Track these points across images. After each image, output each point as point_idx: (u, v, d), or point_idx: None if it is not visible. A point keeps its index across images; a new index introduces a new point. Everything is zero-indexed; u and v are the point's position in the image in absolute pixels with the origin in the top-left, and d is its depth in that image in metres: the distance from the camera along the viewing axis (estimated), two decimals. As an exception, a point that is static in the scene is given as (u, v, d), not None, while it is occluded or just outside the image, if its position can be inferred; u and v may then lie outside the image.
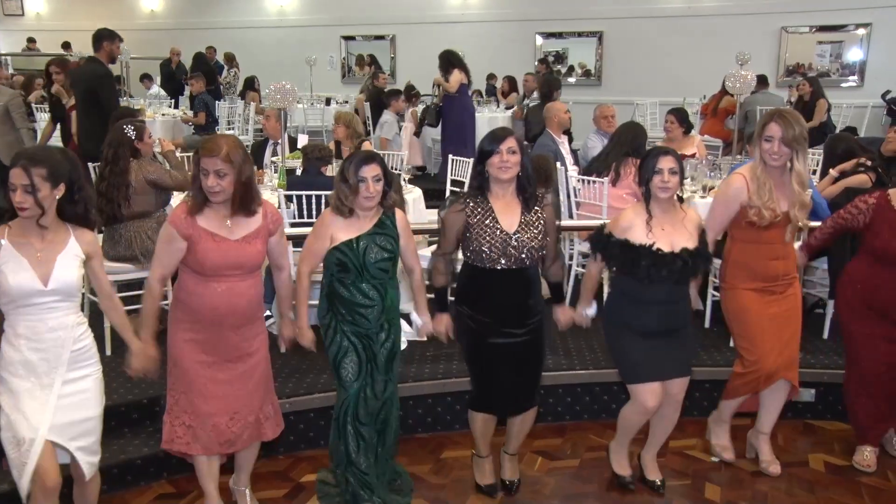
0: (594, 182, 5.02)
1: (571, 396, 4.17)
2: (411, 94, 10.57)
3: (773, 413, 3.62)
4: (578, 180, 5.22)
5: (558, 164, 5.66)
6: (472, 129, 8.48)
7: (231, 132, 10.00)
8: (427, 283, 3.36)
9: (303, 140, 6.05)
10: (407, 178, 5.73)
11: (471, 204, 3.14)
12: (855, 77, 11.53)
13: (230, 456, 3.27)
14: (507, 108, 10.89)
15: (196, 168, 2.86)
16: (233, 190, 2.84)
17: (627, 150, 5.06)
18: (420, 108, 9.99)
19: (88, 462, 2.82)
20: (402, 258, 3.25)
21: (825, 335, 4.57)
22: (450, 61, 8.44)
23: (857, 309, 3.55)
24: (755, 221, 3.29)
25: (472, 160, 3.55)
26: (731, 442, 3.76)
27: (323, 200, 4.35)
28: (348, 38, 14.58)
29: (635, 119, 9.60)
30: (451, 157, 6.86)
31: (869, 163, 4.76)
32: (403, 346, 4.44)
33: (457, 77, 8.32)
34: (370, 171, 3.01)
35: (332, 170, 5.13)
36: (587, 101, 9.84)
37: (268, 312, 4.53)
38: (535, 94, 9.88)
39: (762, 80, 10.27)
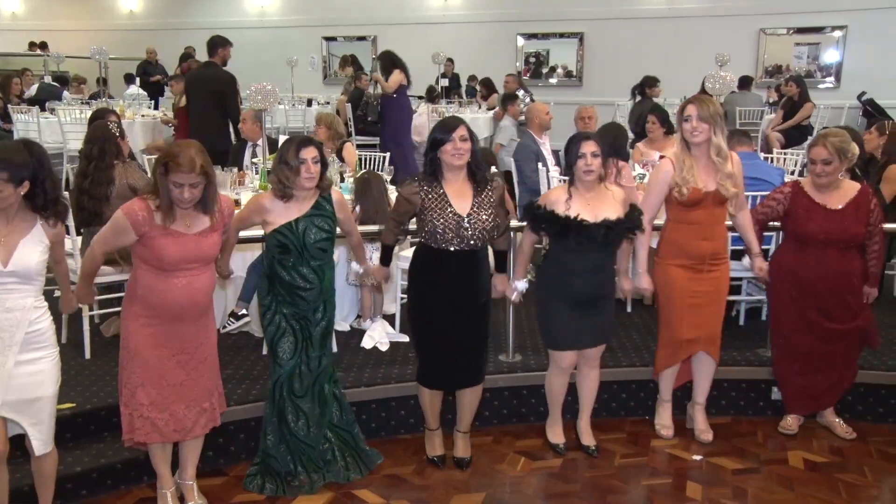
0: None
1: (537, 398, 4.16)
2: (433, 95, 10.65)
3: (705, 385, 3.94)
4: (560, 180, 5.23)
5: (539, 164, 5.69)
6: (410, 129, 8.56)
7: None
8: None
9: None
10: (388, 179, 5.72)
11: (425, 187, 3.33)
12: (832, 78, 11.68)
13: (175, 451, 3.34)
14: (489, 108, 10.91)
15: (163, 179, 2.88)
16: (202, 195, 2.94)
17: (608, 150, 5.08)
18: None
19: (40, 439, 2.89)
20: (342, 227, 3.44)
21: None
22: (392, 62, 8.39)
23: (787, 298, 3.88)
24: (677, 198, 3.58)
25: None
26: (671, 421, 4.01)
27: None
28: (330, 39, 14.55)
29: (616, 120, 9.65)
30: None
31: None
32: (385, 347, 4.46)
33: (396, 78, 8.26)
34: (309, 153, 3.21)
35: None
36: (568, 101, 9.88)
37: (243, 311, 4.50)
38: (520, 94, 9.90)
39: (746, 82, 10.37)
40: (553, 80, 13.22)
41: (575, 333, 3.58)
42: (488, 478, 3.65)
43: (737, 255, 4.47)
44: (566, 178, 5.07)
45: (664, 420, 4.02)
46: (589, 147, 3.41)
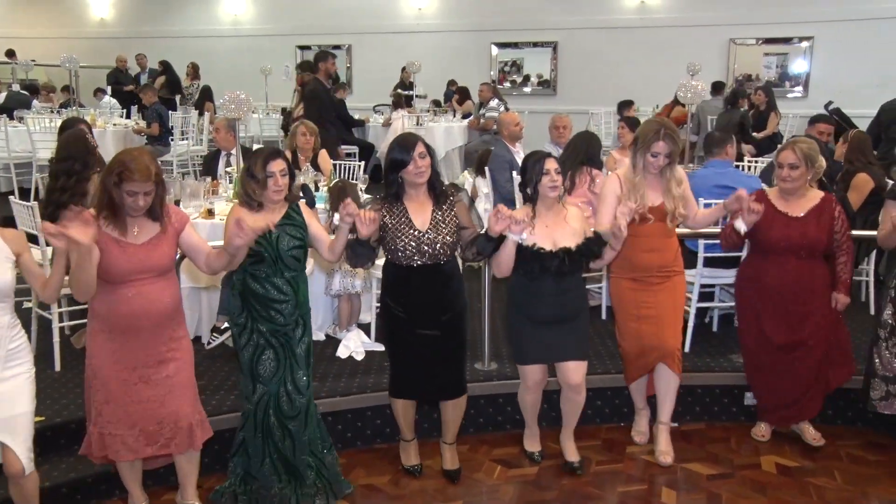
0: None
1: (512, 406, 4.17)
2: (402, 100, 10.68)
3: (668, 402, 3.86)
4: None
5: (514, 173, 5.72)
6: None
7: (184, 143, 9.85)
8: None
9: (258, 150, 5.97)
10: (364, 188, 5.71)
11: (387, 206, 3.35)
12: (800, 88, 11.88)
13: (173, 469, 3.29)
14: (464, 116, 10.94)
15: (116, 189, 2.83)
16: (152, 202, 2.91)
17: (582, 159, 5.13)
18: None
19: (28, 456, 2.88)
20: (313, 240, 3.33)
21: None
22: (311, 70, 8.22)
23: (751, 310, 3.89)
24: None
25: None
26: (647, 427, 4.03)
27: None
28: (304, 48, 14.50)
29: (590, 128, 9.73)
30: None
31: None
32: (360, 356, 4.45)
33: None
34: (277, 165, 3.17)
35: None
36: (542, 110, 9.93)
37: (226, 324, 4.48)
38: (493, 104, 9.95)
39: (718, 87, 10.51)
40: (527, 89, 13.30)
41: (541, 347, 3.54)
42: (465, 486, 3.65)
43: (721, 262, 4.51)
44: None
45: (640, 427, 4.06)
46: (552, 164, 3.40)
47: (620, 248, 3.46)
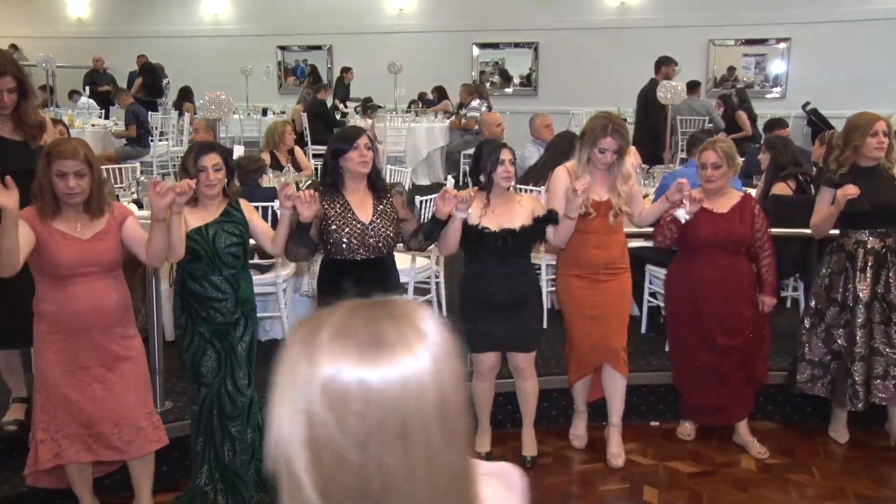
0: (531, 190, 5.09)
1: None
2: (367, 106, 10.57)
3: (617, 403, 3.85)
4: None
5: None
6: None
7: (164, 143, 9.79)
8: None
9: (238, 151, 5.96)
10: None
11: (326, 197, 3.25)
12: (779, 88, 12.01)
13: (126, 474, 3.20)
14: (446, 116, 10.93)
15: (47, 173, 2.81)
16: (89, 191, 2.86)
17: (563, 159, 5.14)
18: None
19: None
20: (255, 234, 3.28)
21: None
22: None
23: (685, 313, 3.92)
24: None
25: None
26: (585, 431, 4.03)
27: (269, 212, 4.35)
28: (284, 48, 14.45)
29: (571, 128, 9.75)
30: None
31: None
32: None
33: None
34: (210, 160, 3.11)
35: (269, 181, 5.08)
36: (524, 110, 9.96)
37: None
38: (475, 103, 9.96)
39: (694, 87, 10.59)
40: (508, 90, 13.34)
41: (493, 335, 3.57)
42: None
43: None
44: (522, 185, 5.18)
45: (578, 430, 4.04)
46: (507, 154, 3.47)
47: (576, 217, 3.44)
